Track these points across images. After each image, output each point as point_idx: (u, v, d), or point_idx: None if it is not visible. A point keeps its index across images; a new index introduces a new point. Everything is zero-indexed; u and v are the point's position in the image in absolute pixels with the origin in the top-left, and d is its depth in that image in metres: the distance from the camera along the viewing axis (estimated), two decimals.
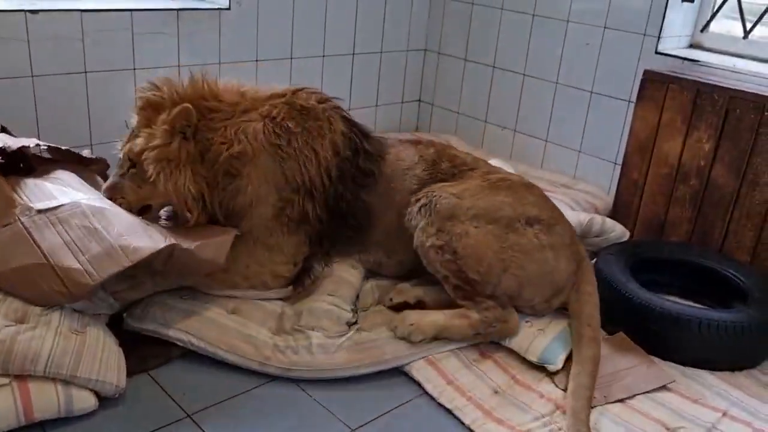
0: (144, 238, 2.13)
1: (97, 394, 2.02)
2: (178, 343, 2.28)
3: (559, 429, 2.09)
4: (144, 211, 2.41)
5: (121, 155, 2.43)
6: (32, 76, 2.91)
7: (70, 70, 3.00)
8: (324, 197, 2.45)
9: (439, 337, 2.36)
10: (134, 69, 3.13)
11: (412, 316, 2.39)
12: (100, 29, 3.01)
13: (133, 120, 2.42)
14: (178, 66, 3.25)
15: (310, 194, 2.42)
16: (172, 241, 2.14)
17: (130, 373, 2.11)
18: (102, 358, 2.03)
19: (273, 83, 2.59)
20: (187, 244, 2.19)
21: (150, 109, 2.37)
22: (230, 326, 2.31)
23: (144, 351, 2.25)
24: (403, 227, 2.50)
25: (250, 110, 2.41)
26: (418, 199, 2.46)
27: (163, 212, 2.51)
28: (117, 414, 2.04)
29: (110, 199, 2.37)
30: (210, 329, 2.29)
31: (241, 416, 2.09)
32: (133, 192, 2.39)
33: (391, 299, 2.53)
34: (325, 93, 2.58)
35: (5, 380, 1.90)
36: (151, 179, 2.32)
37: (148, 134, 2.33)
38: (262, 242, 2.43)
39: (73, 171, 2.52)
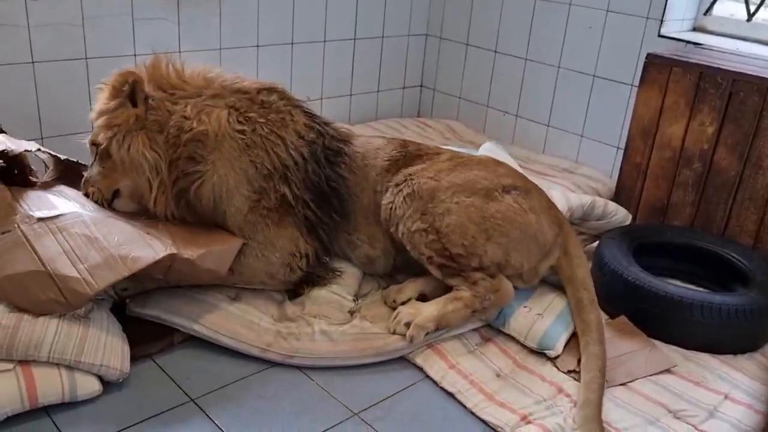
0: (144, 248, 2.11)
1: (101, 379, 2.03)
2: (181, 329, 2.28)
3: (561, 412, 2.10)
4: (115, 196, 2.41)
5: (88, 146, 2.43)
6: (33, 63, 2.90)
7: (71, 57, 2.99)
8: (301, 177, 2.42)
9: (440, 327, 2.34)
10: (135, 55, 3.12)
11: (406, 314, 2.34)
12: (100, 15, 3.00)
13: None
14: (179, 52, 3.24)
15: (284, 177, 2.38)
16: (173, 250, 2.12)
17: (133, 359, 2.12)
18: (106, 343, 2.04)
19: (250, 68, 2.55)
20: (188, 253, 2.16)
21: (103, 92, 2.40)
22: (232, 312, 2.31)
23: (147, 337, 2.25)
24: (379, 208, 2.51)
25: (216, 96, 2.38)
26: (400, 187, 2.45)
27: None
28: (121, 398, 2.05)
29: (85, 193, 2.40)
30: (212, 315, 2.29)
31: (244, 400, 2.10)
32: (102, 178, 2.38)
33: (394, 301, 2.47)
34: (288, 92, 2.55)
35: (9, 365, 1.91)
36: (104, 146, 2.32)
37: (96, 104, 2.36)
38: (251, 240, 2.37)
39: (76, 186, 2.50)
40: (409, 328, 2.31)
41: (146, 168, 2.31)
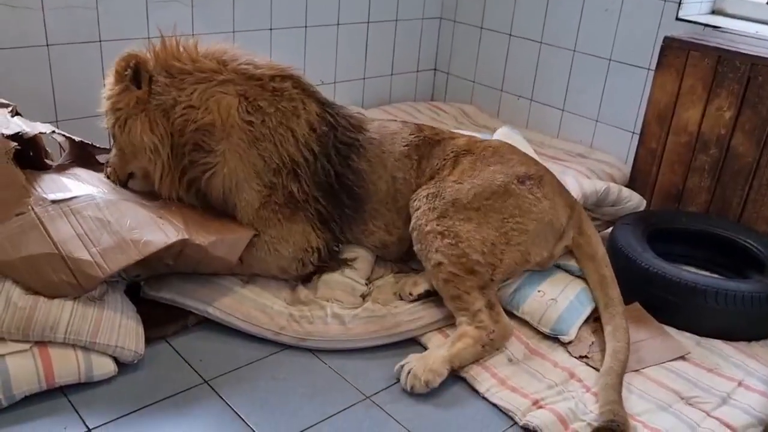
0: (156, 232, 2.12)
1: (116, 360, 2.06)
2: (195, 311, 2.30)
3: (573, 397, 2.11)
4: (130, 177, 2.45)
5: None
6: (47, 45, 2.91)
7: (85, 39, 2.99)
8: (310, 174, 2.39)
9: (454, 367, 2.17)
10: (148, 38, 3.11)
11: (416, 367, 2.13)
12: None
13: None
14: (192, 35, 3.22)
15: (293, 173, 2.36)
16: (185, 236, 2.13)
17: (148, 340, 2.14)
18: (120, 325, 2.06)
19: (263, 52, 2.52)
20: (200, 240, 2.17)
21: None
22: (246, 295, 2.33)
23: (162, 319, 2.27)
24: (398, 194, 2.50)
25: (227, 83, 2.33)
26: (427, 187, 2.43)
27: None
28: (136, 379, 2.08)
29: (106, 175, 2.44)
30: (226, 298, 2.31)
31: (257, 382, 2.11)
32: (118, 159, 2.42)
33: (410, 294, 2.43)
34: (304, 78, 2.49)
35: (26, 346, 1.94)
36: (110, 132, 2.36)
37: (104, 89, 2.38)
38: (263, 234, 2.36)
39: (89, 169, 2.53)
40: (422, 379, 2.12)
41: (147, 151, 2.31)
